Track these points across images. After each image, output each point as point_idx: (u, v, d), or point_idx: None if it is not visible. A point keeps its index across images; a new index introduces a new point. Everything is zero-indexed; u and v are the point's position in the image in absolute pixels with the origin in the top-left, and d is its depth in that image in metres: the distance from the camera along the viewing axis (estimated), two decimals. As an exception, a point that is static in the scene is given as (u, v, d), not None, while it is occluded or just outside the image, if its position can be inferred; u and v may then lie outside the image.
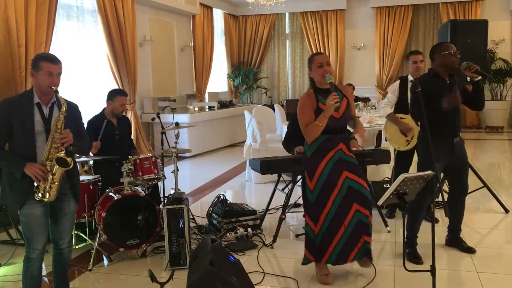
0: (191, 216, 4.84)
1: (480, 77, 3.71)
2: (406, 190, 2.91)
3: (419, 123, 4.04)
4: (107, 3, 7.67)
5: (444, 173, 4.01)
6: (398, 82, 4.96)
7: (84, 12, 7.49)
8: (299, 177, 4.59)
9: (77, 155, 3.84)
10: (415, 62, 4.73)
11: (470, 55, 4.88)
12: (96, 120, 4.76)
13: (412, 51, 4.97)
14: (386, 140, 5.16)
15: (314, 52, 13.01)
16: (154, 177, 4.30)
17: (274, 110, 8.36)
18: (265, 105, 11.78)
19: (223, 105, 10.66)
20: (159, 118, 5.05)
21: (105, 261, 4.02)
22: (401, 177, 2.78)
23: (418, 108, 3.40)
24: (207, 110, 10.09)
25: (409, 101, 4.72)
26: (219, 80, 12.99)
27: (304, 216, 3.57)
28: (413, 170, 5.00)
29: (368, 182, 4.86)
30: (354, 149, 3.62)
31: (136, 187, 4.35)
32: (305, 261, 3.58)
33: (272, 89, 13.91)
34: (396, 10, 12.39)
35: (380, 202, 2.99)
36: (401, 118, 4.83)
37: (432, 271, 2.96)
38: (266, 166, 4.28)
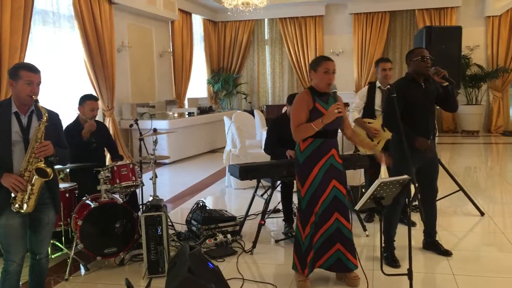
0: (170, 223, 4.81)
1: (446, 83, 3.78)
2: (383, 195, 2.94)
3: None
4: (84, 9, 7.60)
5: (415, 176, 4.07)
6: (366, 87, 5.06)
7: (60, 17, 7.40)
8: (278, 182, 4.62)
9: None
10: (384, 70, 4.85)
11: (445, 60, 4.98)
12: (72, 127, 4.70)
13: (381, 59, 5.08)
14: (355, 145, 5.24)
15: (293, 58, 13.10)
16: (132, 184, 4.25)
17: (253, 115, 8.37)
18: (245, 110, 11.79)
19: (202, 111, 10.63)
20: (137, 124, 5.02)
21: (82, 270, 3.94)
22: (377, 181, 2.81)
23: (392, 113, 3.45)
24: (187, 116, 10.04)
25: (376, 107, 4.89)
26: (199, 86, 12.96)
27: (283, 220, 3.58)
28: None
29: (347, 188, 4.91)
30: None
31: (114, 195, 4.31)
32: (294, 267, 3.56)
33: (252, 95, 13.93)
34: (373, 16, 12.56)
35: (357, 207, 3.01)
36: (368, 122, 4.95)
37: (409, 274, 3.00)
38: (244, 172, 4.27)
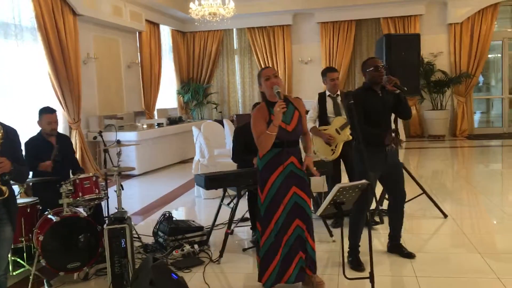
0: (136, 235, 4.76)
1: (398, 90, 3.87)
2: (343, 200, 2.99)
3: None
4: (47, 21, 7.49)
5: (380, 182, 4.15)
6: (316, 99, 5.22)
7: (22, 30, 7.27)
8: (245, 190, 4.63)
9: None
10: (333, 80, 5.10)
11: (405, 68, 5.11)
12: (34, 141, 4.62)
13: (328, 69, 5.30)
14: (315, 153, 5.33)
15: (263, 66, 13.19)
16: (96, 197, 4.19)
17: (223, 125, 8.37)
18: (215, 120, 11.78)
19: (172, 121, 10.58)
20: (101, 136, 4.96)
21: (46, 287, 3.86)
22: (336, 187, 2.85)
23: (352, 120, 3.52)
24: (156, 127, 9.98)
25: (328, 114, 5.11)
26: (168, 96, 12.90)
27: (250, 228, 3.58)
28: (344, 178, 5.19)
29: (313, 195, 4.96)
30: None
31: (78, 208, 4.24)
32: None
33: (223, 104, 13.94)
34: (340, 25, 12.77)
35: (318, 213, 3.05)
36: (324, 129, 5.09)
37: (371, 278, 3.04)
38: (210, 181, 4.26)
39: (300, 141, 3.64)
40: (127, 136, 8.75)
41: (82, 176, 4.18)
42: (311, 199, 5.01)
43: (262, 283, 3.44)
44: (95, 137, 5.01)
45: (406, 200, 5.11)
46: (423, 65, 12.02)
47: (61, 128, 8.10)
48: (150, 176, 9.12)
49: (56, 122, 4.64)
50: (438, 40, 12.48)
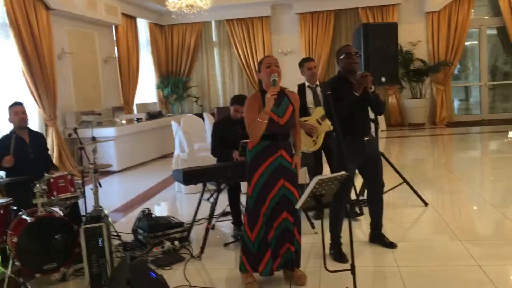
0: (115, 233, 4.67)
1: (371, 89, 3.83)
2: (322, 192, 2.95)
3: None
4: (19, 16, 7.29)
5: (359, 172, 4.13)
6: (295, 90, 5.15)
7: (-7, 26, 7.07)
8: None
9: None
10: (310, 69, 5.07)
11: (383, 57, 5.07)
12: (6, 139, 4.48)
13: (305, 58, 5.27)
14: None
15: (243, 58, 13.10)
16: (71, 196, 4.08)
17: (203, 119, 8.29)
18: (196, 114, 11.67)
19: (151, 116, 10.43)
20: (76, 133, 4.84)
21: (22, 289, 3.76)
22: (315, 179, 2.81)
23: (329, 110, 3.48)
24: (135, 122, 9.83)
25: (308, 105, 5.08)
26: (148, 91, 12.73)
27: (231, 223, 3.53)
28: (325, 169, 5.18)
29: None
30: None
31: (53, 208, 4.12)
32: (243, 269, 3.51)
33: (203, 98, 13.81)
34: (319, 15, 12.72)
35: (298, 206, 3.01)
36: (304, 120, 5.03)
37: (352, 269, 3.02)
38: (188, 176, 4.19)
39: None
40: (105, 132, 8.61)
41: (56, 174, 4.06)
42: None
43: (259, 273, 3.44)
44: (69, 134, 4.91)
45: (387, 189, 5.17)
46: (402, 54, 12.06)
47: (36, 126, 7.96)
48: (130, 172, 9.00)
49: (24, 113, 4.55)
50: (416, 28, 12.53)
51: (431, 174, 7.34)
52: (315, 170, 5.04)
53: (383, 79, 5.08)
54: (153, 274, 3.08)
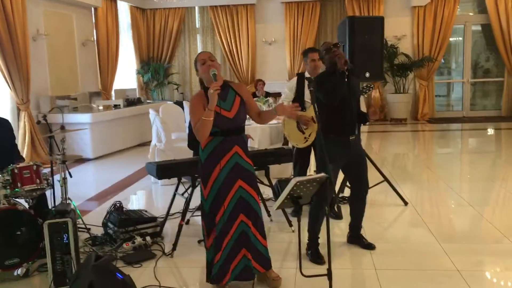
0: (84, 227, 4.48)
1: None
2: (300, 194, 2.81)
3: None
4: (-10, -7, 6.96)
5: (343, 172, 4.00)
6: (295, 78, 4.91)
7: (-38, 3, 6.72)
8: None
9: None
10: (313, 60, 4.67)
11: (368, 51, 4.95)
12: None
13: (310, 49, 4.86)
14: (284, 138, 5.13)
15: (225, 47, 12.86)
16: (36, 187, 3.85)
17: (183, 107, 8.07)
18: (176, 101, 11.42)
19: (130, 102, 10.15)
20: (46, 120, 4.60)
21: (-19, 285, 3.56)
22: (293, 181, 2.67)
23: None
24: (113, 108, 9.54)
25: (305, 99, 4.75)
26: (127, 76, 12.41)
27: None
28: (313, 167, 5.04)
29: (271, 182, 4.75)
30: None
31: (18, 200, 3.91)
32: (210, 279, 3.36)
33: (184, 85, 13.55)
34: (304, 5, 12.53)
35: (275, 207, 2.87)
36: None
37: (329, 274, 2.89)
38: (162, 170, 4.02)
39: (261, 119, 3.36)
40: (80, 118, 8.35)
41: (21, 165, 3.83)
42: (271, 188, 4.87)
43: (223, 284, 3.23)
44: (38, 122, 4.64)
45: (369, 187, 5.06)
46: (387, 48, 11.97)
47: (8, 109, 7.64)
48: (106, 160, 8.75)
49: None
50: (402, 23, 12.44)
51: (411, 171, 7.29)
52: (302, 165, 4.87)
53: (367, 74, 4.96)
54: (119, 275, 2.91)
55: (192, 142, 4.61)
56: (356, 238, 4.08)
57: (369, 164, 5.13)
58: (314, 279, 3.23)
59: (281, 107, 3.21)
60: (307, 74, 4.81)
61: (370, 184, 5.25)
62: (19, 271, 3.66)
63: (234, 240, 3.19)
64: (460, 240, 4.20)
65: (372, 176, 5.30)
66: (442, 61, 12.93)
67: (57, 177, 4.30)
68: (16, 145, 4.50)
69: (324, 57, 3.75)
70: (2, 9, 7.19)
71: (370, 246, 3.97)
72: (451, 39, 12.81)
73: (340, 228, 4.53)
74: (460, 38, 12.99)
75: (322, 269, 3.44)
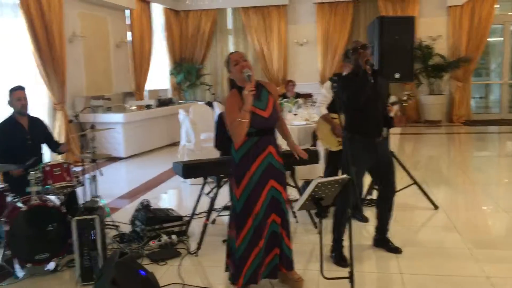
0: (112, 224, 4.58)
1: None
2: (322, 195, 2.78)
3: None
4: (29, -3, 7.19)
5: (370, 174, 3.94)
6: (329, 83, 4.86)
7: (2, 6, 6.96)
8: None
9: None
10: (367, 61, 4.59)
11: (398, 52, 4.87)
12: (6, 124, 4.41)
13: (363, 45, 4.76)
14: (317, 139, 5.10)
15: (256, 48, 12.88)
16: (66, 185, 3.96)
17: (213, 108, 8.13)
18: (208, 102, 11.50)
19: (162, 103, 10.30)
20: (78, 119, 4.73)
21: (13, 278, 3.67)
22: (314, 182, 2.65)
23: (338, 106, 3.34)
24: (145, 108, 9.71)
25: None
26: (160, 77, 12.60)
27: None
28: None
29: (297, 184, 4.71)
30: None
31: (49, 196, 4.02)
32: (228, 269, 3.39)
33: (216, 86, 13.64)
34: (337, 6, 12.42)
35: (296, 208, 2.85)
36: (333, 118, 4.75)
37: (350, 277, 2.86)
38: (188, 170, 4.06)
39: (279, 126, 3.41)
40: (113, 117, 8.53)
41: (52, 163, 3.95)
42: (297, 189, 4.84)
43: (239, 286, 3.21)
44: (70, 121, 4.78)
45: (396, 190, 4.97)
46: (421, 48, 11.74)
47: (45, 109, 7.90)
48: (138, 159, 8.91)
49: (25, 98, 4.43)
50: (437, 23, 12.15)
51: (445, 174, 7.11)
52: (333, 168, 4.81)
53: (397, 75, 4.87)
54: (142, 272, 2.96)
55: (221, 142, 4.63)
56: (382, 241, 4.01)
57: (398, 167, 5.08)
58: (337, 282, 3.20)
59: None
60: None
61: (399, 187, 5.19)
62: (49, 266, 3.77)
63: (267, 240, 3.21)
64: (491, 246, 4.07)
65: (403, 178, 5.23)
66: (481, 61, 12.55)
67: (91, 174, 4.43)
68: (53, 137, 4.69)
69: (350, 57, 3.71)
70: (40, 12, 7.42)
71: (396, 250, 3.90)
72: (490, 39, 12.42)
73: (367, 231, 4.47)
74: (501, 39, 12.58)
75: (346, 272, 3.41)
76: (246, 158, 3.17)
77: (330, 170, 4.86)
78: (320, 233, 2.97)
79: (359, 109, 3.60)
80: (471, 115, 12.47)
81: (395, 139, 10.36)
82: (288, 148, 3.59)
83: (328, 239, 3.99)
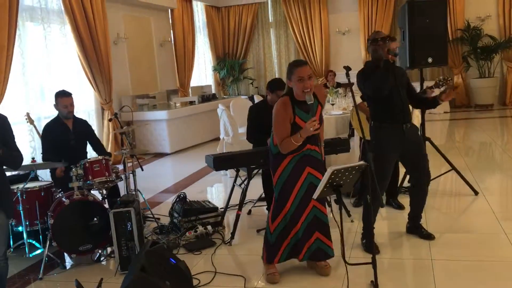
0: (157, 216, 4.80)
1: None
2: (340, 182, 2.81)
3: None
4: (74, 3, 7.55)
5: (401, 162, 3.91)
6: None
7: (49, 13, 7.36)
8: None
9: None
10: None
11: (430, 36, 4.75)
12: (51, 125, 4.69)
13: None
14: (350, 129, 5.10)
15: (298, 40, 12.83)
16: (106, 180, 4.19)
17: (253, 101, 8.24)
18: (252, 95, 11.62)
19: (205, 99, 10.53)
20: (117, 118, 4.96)
21: (60, 268, 3.94)
22: (329, 169, 2.69)
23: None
24: (189, 104, 9.96)
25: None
26: (204, 73, 12.86)
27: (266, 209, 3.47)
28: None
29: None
30: None
31: (91, 191, 4.27)
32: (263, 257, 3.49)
33: (259, 80, 13.75)
34: (378, -8, 12.18)
35: (315, 196, 2.90)
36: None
37: (373, 263, 2.88)
38: (219, 162, 4.18)
39: None
40: (158, 115, 8.84)
41: (91, 159, 4.19)
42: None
43: (275, 263, 3.39)
44: (110, 119, 5.02)
45: (435, 176, 4.89)
46: (469, 30, 11.31)
47: (93, 109, 8.30)
48: (182, 154, 9.18)
49: (72, 105, 4.65)
50: (485, 2, 11.65)
51: (495, 160, 6.84)
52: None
53: (429, 60, 4.76)
54: (172, 260, 3.11)
55: (252, 134, 4.71)
56: (415, 228, 3.97)
57: (435, 153, 4.99)
58: (366, 269, 3.21)
59: (304, 130, 3.15)
60: None
61: (438, 174, 5.11)
62: (92, 256, 4.02)
63: (307, 224, 3.30)
64: (532, 231, 3.93)
65: (444, 165, 5.12)
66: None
67: (138, 171, 4.66)
68: (101, 144, 4.96)
69: (369, 47, 3.68)
70: (84, 16, 7.79)
71: (429, 237, 3.85)
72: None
73: (399, 218, 4.43)
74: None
75: (377, 258, 3.42)
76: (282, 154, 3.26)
77: (365, 159, 4.83)
78: (340, 220, 3.00)
79: (384, 98, 3.58)
80: (525, 97, 11.88)
81: (443, 124, 10.09)
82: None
83: (361, 227, 4.00)
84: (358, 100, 4.87)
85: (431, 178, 4.81)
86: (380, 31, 3.87)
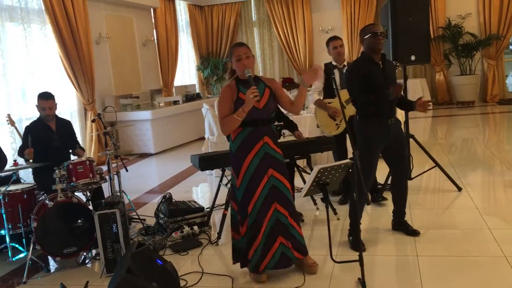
0: (137, 217, 4.75)
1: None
2: (327, 181, 2.82)
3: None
4: (54, 3, 7.45)
5: (383, 156, 3.94)
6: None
7: (29, 13, 7.25)
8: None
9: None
10: (335, 48, 4.87)
11: (413, 33, 4.80)
12: (32, 126, 4.62)
13: (331, 37, 5.01)
14: (318, 127, 5.16)
15: (282, 39, 12.86)
16: (90, 181, 4.14)
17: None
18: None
19: (188, 98, 10.48)
20: (101, 119, 4.91)
21: (44, 272, 3.88)
22: (316, 168, 2.69)
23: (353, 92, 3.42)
24: (173, 104, 9.90)
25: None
26: (187, 73, 12.80)
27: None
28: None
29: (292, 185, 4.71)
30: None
31: (75, 193, 4.22)
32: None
33: (243, 78, 13.72)
34: (361, -10, 12.25)
35: (302, 195, 2.90)
36: (328, 102, 4.87)
37: (360, 261, 2.90)
38: (204, 162, 4.16)
39: (296, 104, 3.37)
40: (141, 115, 8.77)
41: (75, 160, 4.14)
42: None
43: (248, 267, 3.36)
44: (93, 120, 4.97)
45: (419, 173, 4.95)
46: (450, 28, 11.45)
47: (75, 109, 8.20)
48: (167, 154, 9.13)
49: (51, 108, 4.58)
50: (466, 0, 11.80)
51: (477, 156, 6.92)
52: (339, 152, 4.88)
53: (412, 58, 4.81)
54: (159, 262, 3.08)
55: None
56: (400, 224, 4.00)
57: (419, 150, 5.05)
58: (352, 266, 3.23)
59: (305, 76, 3.20)
60: (334, 63, 4.95)
61: (421, 171, 5.17)
62: (76, 259, 3.97)
63: (270, 228, 3.24)
64: (514, 226, 4.00)
65: (427, 161, 5.18)
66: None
67: (122, 172, 4.60)
68: (76, 138, 4.92)
69: (365, 37, 3.66)
70: (65, 16, 7.69)
71: (414, 233, 3.89)
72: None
73: (385, 215, 4.46)
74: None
75: (363, 256, 3.44)
76: (242, 148, 3.24)
77: (338, 155, 4.89)
78: (327, 218, 3.01)
79: (376, 94, 3.60)
80: (506, 93, 12.08)
81: (426, 122, 10.20)
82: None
83: (347, 224, 4.02)
84: (316, 96, 4.97)
85: (416, 175, 4.90)
86: (375, 24, 3.90)
